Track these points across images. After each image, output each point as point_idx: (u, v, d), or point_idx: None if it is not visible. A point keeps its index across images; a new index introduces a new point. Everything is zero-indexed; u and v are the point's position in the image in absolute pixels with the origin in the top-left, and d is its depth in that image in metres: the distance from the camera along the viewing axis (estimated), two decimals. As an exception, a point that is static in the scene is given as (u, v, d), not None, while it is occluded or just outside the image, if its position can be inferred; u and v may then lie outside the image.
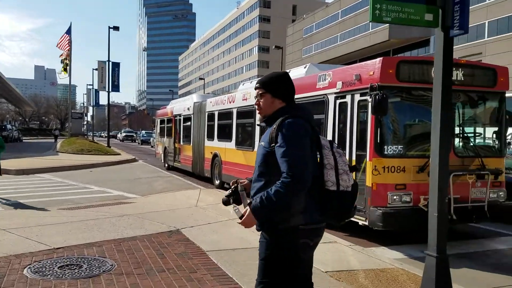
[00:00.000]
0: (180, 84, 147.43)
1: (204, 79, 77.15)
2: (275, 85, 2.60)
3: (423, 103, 6.91)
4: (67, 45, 36.00)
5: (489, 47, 40.54)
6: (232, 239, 6.29)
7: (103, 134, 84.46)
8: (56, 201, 9.72)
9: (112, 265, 4.90)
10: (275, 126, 2.39)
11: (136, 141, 59.27)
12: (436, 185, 3.73)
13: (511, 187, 8.42)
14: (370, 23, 50.10)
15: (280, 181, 2.25)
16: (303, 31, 66.59)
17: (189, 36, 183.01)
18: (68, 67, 36.41)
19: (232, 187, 2.63)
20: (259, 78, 2.80)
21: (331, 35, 57.77)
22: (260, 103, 2.62)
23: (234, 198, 2.57)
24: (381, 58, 6.61)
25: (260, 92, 2.62)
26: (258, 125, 2.17)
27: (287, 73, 2.71)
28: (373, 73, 6.59)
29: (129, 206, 8.90)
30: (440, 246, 3.74)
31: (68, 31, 36.68)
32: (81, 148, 26.43)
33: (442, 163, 3.71)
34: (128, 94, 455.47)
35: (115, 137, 73.91)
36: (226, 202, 2.62)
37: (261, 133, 9.46)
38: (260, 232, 2.48)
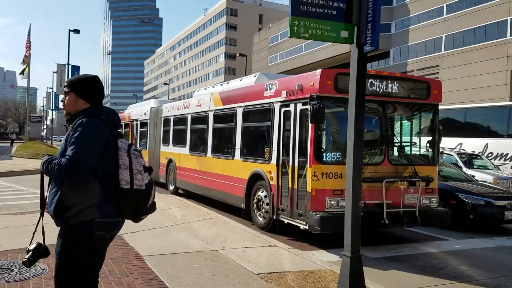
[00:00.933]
0: (145, 88, 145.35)
1: (169, 84, 76.50)
2: (81, 85, 2.71)
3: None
4: (26, 46, 35.03)
5: (446, 60, 42.43)
6: (173, 244, 6.37)
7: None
8: (2, 206, 9.47)
9: (44, 269, 4.88)
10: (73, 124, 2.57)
11: None
12: (350, 190, 3.99)
13: (447, 193, 8.99)
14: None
15: (62, 159, 2.44)
16: (269, 40, 67.43)
17: (156, 41, 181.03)
18: (26, 69, 35.34)
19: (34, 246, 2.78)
20: (70, 78, 2.99)
21: (296, 45, 58.79)
22: (65, 100, 2.74)
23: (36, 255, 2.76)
24: (320, 70, 6.93)
25: (66, 91, 2.75)
26: (65, 125, 2.39)
27: (97, 77, 2.83)
28: (313, 83, 6.89)
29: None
30: (354, 247, 3.98)
31: (28, 33, 35.72)
32: (37, 153, 25.67)
33: (355, 170, 3.98)
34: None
35: None
36: (31, 262, 2.78)
37: (214, 137, 9.61)
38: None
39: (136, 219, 2.68)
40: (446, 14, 42.52)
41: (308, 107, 6.82)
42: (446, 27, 42.39)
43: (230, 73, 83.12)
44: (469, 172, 12.30)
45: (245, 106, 9.01)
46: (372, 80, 7.14)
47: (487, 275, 5.94)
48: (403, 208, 7.05)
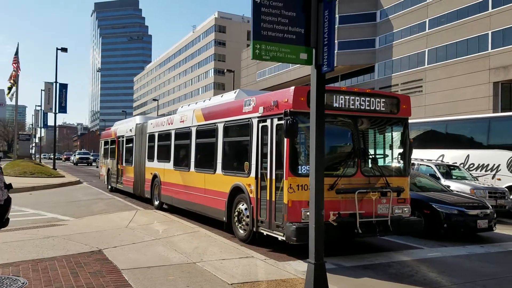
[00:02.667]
0: (135, 105, 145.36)
1: (158, 100, 76.61)
2: None
3: (332, 127, 7.59)
4: (14, 65, 35.08)
5: (429, 73, 43.34)
6: (152, 257, 6.54)
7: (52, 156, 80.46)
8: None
9: (23, 283, 5.03)
10: None
11: (94, 164, 52.42)
12: (313, 199, 4.25)
13: (421, 203, 9.30)
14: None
15: None
16: (257, 55, 68.09)
17: (145, 57, 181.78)
18: (12, 88, 35.36)
19: None
20: None
21: (284, 60, 59.46)
22: None
23: None
24: (294, 87, 7.24)
25: None
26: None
27: None
28: (287, 100, 7.20)
29: (58, 228, 8.92)
30: (318, 254, 4.22)
31: (16, 52, 35.79)
32: (24, 171, 25.58)
33: (317, 181, 4.24)
34: (80, 114, 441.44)
35: (68, 159, 68.83)
36: None
37: (196, 153, 9.82)
38: None
39: None
40: (428, 29, 43.60)
41: (283, 122, 7.11)
42: (429, 41, 43.43)
43: (220, 88, 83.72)
44: (446, 182, 12.67)
45: (226, 121, 9.28)
46: (343, 96, 7.47)
47: (455, 281, 6.20)
48: (376, 218, 7.31)
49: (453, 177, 13.83)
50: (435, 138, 18.37)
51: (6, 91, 36.24)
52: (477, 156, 15.48)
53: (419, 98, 42.86)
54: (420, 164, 14.29)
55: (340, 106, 7.43)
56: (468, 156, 15.83)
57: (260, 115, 8.00)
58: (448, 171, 14.11)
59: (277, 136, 7.52)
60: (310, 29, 4.23)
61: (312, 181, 4.28)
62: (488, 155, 15.17)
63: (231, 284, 5.28)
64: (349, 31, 49.84)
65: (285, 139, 7.13)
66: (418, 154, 16.13)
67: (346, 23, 50.18)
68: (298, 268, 6.34)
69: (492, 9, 37.46)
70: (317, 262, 4.21)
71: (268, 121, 7.78)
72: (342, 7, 50.27)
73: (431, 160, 14.98)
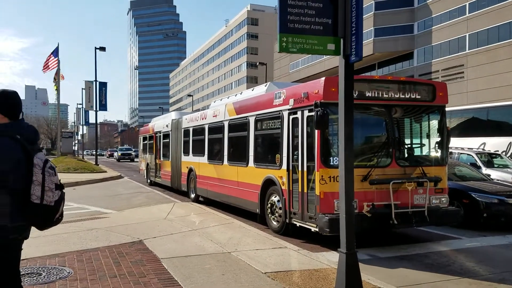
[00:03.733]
0: (171, 101, 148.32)
1: (192, 96, 77.69)
2: None
3: (366, 117, 7.53)
4: (55, 66, 36.43)
5: (471, 59, 41.69)
6: (189, 247, 6.77)
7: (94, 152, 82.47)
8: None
9: (69, 272, 5.36)
10: None
11: (136, 160, 49.42)
12: (343, 190, 4.27)
13: (460, 193, 9.07)
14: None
15: None
16: (290, 47, 67.68)
17: (180, 54, 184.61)
18: (57, 88, 36.85)
19: None
20: None
21: (317, 50, 58.80)
22: None
23: None
24: (324, 78, 7.21)
25: None
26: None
27: (15, 92, 2.92)
28: (318, 91, 7.19)
29: (101, 221, 9.34)
30: (349, 244, 4.25)
31: (55, 52, 37.14)
32: (68, 167, 26.75)
33: (347, 170, 4.26)
34: (120, 111, 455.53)
35: (112, 155, 68.60)
36: None
37: (229, 146, 10.05)
38: None
39: (42, 228, 2.88)
40: (469, 13, 41.88)
41: (313, 113, 7.11)
42: (470, 26, 41.72)
43: (252, 81, 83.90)
44: (488, 171, 12.24)
45: (257, 115, 9.38)
46: (376, 84, 7.38)
47: (493, 271, 6.05)
48: (412, 209, 7.20)
49: (495, 165, 13.34)
50: (476, 125, 17.75)
51: (51, 93, 37.67)
52: (521, 143, 14.84)
53: (461, 85, 41.37)
54: (461, 153, 13.87)
55: (373, 95, 7.35)
56: (510, 143, 15.21)
57: (290, 107, 8.04)
58: (490, 159, 13.62)
59: (308, 128, 7.54)
60: (337, 19, 4.23)
61: (341, 171, 4.29)
62: (532, 142, 14.52)
63: (265, 273, 5.40)
64: (386, 17, 48.59)
65: (316, 131, 7.13)
66: (459, 143, 15.67)
67: (383, 9, 48.93)
68: (331, 259, 6.37)
69: (537, -12, 35.47)
70: (348, 251, 4.24)
71: (299, 113, 7.80)
72: (378, -7, 49.13)
73: (472, 149, 14.50)
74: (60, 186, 2.84)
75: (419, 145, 8.01)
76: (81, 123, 53.80)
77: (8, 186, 2.66)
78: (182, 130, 14.59)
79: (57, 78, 35.39)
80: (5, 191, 2.67)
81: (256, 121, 9.43)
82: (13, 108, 2.84)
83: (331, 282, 5.08)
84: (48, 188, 2.75)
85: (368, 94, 7.33)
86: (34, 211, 2.74)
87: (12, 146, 2.72)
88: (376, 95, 7.36)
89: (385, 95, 7.43)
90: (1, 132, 2.73)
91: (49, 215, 2.81)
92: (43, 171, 2.75)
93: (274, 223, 8.56)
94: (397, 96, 7.50)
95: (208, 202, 12.56)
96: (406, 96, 7.58)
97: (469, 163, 12.59)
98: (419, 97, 7.72)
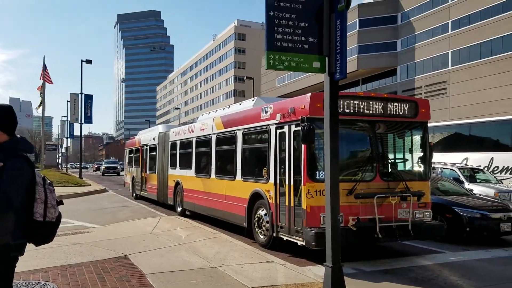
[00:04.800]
0: (158, 113, 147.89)
1: (180, 108, 77.59)
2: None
3: (350, 132, 7.67)
4: (41, 78, 36.16)
5: (453, 75, 42.64)
6: (175, 262, 6.73)
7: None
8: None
9: (53, 287, 5.30)
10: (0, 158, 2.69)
11: (122, 173, 45.10)
12: (329, 205, 4.35)
13: (443, 208, 9.23)
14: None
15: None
16: (277, 62, 68.38)
17: (167, 67, 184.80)
18: (42, 101, 36.48)
19: None
20: None
21: (303, 65, 59.51)
22: None
23: None
24: (310, 94, 7.35)
25: None
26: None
27: (11, 107, 2.91)
28: (304, 106, 7.32)
29: (85, 235, 9.23)
30: (334, 258, 4.31)
31: (44, 65, 36.93)
32: (51, 180, 26.37)
33: (333, 186, 4.34)
34: (106, 124, 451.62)
35: (99, 169, 64.75)
36: None
37: (217, 160, 10.01)
38: None
39: (40, 244, 2.93)
40: (451, 31, 42.98)
41: (300, 128, 7.22)
42: (452, 43, 42.79)
43: (240, 95, 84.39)
44: (470, 186, 12.49)
45: (244, 129, 9.46)
46: (360, 101, 7.54)
47: (476, 285, 6.15)
48: (396, 223, 7.31)
49: (477, 180, 13.62)
50: (458, 141, 18.14)
51: (35, 102, 37.38)
52: (501, 158, 15.21)
53: (444, 101, 42.20)
54: (444, 168, 14.13)
55: (357, 111, 7.50)
56: (492, 159, 15.56)
57: (277, 122, 8.14)
58: (472, 174, 13.91)
59: (295, 142, 7.64)
60: (322, 38, 4.35)
61: (327, 186, 4.38)
62: (513, 158, 14.88)
63: (251, 287, 5.40)
64: (370, 35, 49.56)
65: (303, 145, 7.24)
66: (442, 158, 15.97)
67: (367, 26, 49.93)
68: (318, 273, 6.39)
69: (516, 8, 36.67)
70: (334, 265, 4.30)
71: (286, 127, 7.91)
72: (362, 10, 50.14)
73: (454, 164, 14.79)
74: (59, 202, 2.87)
75: (402, 160, 8.17)
76: (66, 136, 53.20)
77: (14, 204, 2.66)
78: (170, 143, 14.58)
79: (42, 89, 35.09)
80: (12, 209, 2.66)
81: (243, 135, 9.50)
82: (12, 124, 2.84)
83: (317, 296, 5.11)
84: (50, 205, 2.79)
85: (352, 110, 7.48)
86: (37, 228, 2.77)
87: (25, 167, 2.74)
88: (360, 111, 7.51)
89: (369, 111, 7.59)
90: (13, 151, 2.72)
91: (51, 231, 2.85)
92: (44, 188, 2.80)
93: (261, 237, 8.58)
94: (381, 112, 7.67)
95: (195, 216, 12.51)
96: (390, 113, 7.75)
97: (452, 178, 12.83)
98: (402, 113, 7.90)
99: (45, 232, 2.84)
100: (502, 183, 13.87)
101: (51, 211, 2.80)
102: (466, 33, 40.99)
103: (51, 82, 34.84)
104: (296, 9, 4.31)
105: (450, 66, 43.10)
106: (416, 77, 46.94)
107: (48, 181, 2.88)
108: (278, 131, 8.15)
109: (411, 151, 8.19)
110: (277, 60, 4.23)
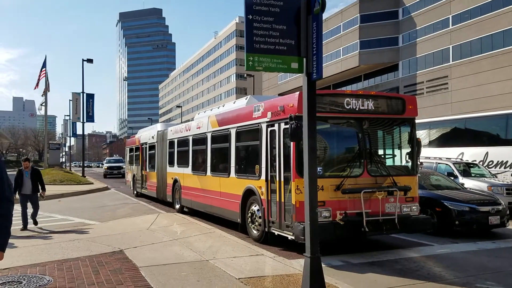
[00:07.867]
0: (160, 112, 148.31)
1: (181, 106, 77.81)
2: None
3: (337, 129, 7.88)
4: (43, 76, 36.47)
5: (454, 70, 42.62)
6: (168, 256, 6.98)
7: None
8: (18, 230, 10.22)
9: (49, 280, 5.55)
10: None
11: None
12: (307, 198, 4.57)
13: (433, 201, 9.43)
14: (342, 49, 52.47)
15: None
16: (278, 58, 68.39)
17: (169, 65, 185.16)
18: (44, 100, 36.81)
19: None
20: None
21: (304, 62, 59.52)
22: None
23: None
24: (298, 92, 7.54)
25: None
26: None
27: None
28: (293, 105, 7.53)
29: (84, 232, 9.50)
30: (313, 248, 4.53)
31: (44, 64, 37.24)
32: (54, 179, 26.71)
33: (311, 180, 4.56)
34: (109, 123, 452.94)
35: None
36: None
37: (212, 157, 10.22)
38: None
39: None
40: (452, 25, 42.92)
41: (288, 126, 7.42)
42: (453, 38, 42.74)
43: (242, 92, 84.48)
44: (464, 180, 12.66)
45: (238, 127, 9.68)
46: (348, 99, 7.73)
47: (458, 275, 6.36)
48: (382, 216, 7.51)
49: (472, 174, 13.77)
50: (454, 136, 18.26)
51: (39, 101, 37.71)
52: (496, 153, 15.34)
53: (445, 95, 42.21)
54: (439, 163, 14.29)
55: (345, 109, 7.70)
56: (487, 153, 15.70)
57: (268, 120, 8.35)
58: (467, 169, 14.06)
59: (285, 140, 7.85)
60: (300, 40, 4.56)
61: (306, 181, 4.60)
62: (507, 152, 15.02)
63: (239, 278, 5.64)
64: (371, 30, 49.53)
65: (292, 143, 7.45)
66: (438, 153, 16.13)
67: (368, 22, 49.90)
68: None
69: (516, 2, 36.60)
70: (312, 255, 4.53)
71: (276, 125, 8.12)
72: (363, 6, 50.08)
73: (449, 159, 14.95)
74: None
75: (390, 156, 8.37)
76: (69, 135, 53.62)
77: None
78: (168, 141, 14.83)
79: (45, 89, 35.40)
80: None
81: (237, 133, 9.73)
82: None
83: (300, 286, 5.34)
84: None
85: (340, 108, 7.69)
86: None
87: None
88: (348, 109, 7.71)
89: (356, 109, 7.78)
90: None
91: None
92: None
93: (254, 231, 8.82)
94: (368, 109, 7.86)
95: (193, 212, 12.76)
96: (377, 110, 7.95)
97: (446, 173, 13.01)
98: (390, 110, 8.09)
99: None
100: (497, 177, 14.02)
101: None
102: (467, 27, 40.93)
103: (37, 86, 34.65)
104: (274, 13, 4.52)
105: (452, 61, 43.06)
106: (418, 72, 46.91)
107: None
108: (269, 129, 8.36)
109: (399, 147, 8.38)
110: (256, 61, 4.44)
